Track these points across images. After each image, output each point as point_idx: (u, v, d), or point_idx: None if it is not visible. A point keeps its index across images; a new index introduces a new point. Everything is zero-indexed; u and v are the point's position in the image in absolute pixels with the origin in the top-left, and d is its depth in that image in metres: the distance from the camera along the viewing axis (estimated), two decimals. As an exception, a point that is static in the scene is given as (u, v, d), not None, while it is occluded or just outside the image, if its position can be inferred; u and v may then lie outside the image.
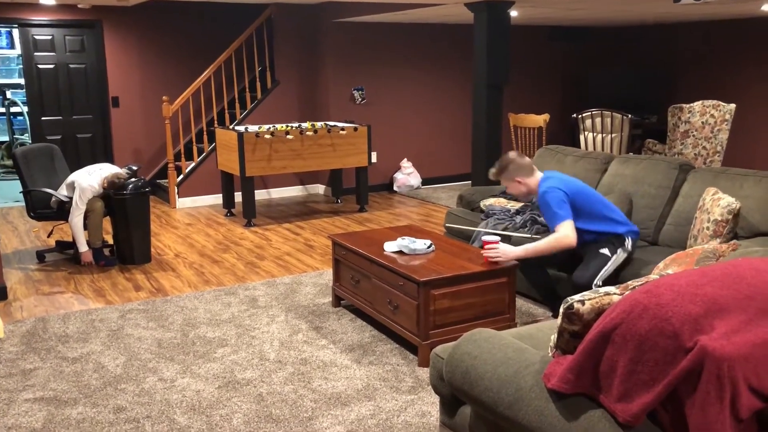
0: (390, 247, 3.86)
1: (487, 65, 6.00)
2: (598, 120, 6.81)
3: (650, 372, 1.64)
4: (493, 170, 3.86)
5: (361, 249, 3.89)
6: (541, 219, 4.49)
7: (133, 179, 5.27)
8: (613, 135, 6.76)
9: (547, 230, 4.44)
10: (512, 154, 3.81)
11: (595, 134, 6.91)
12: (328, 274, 5.01)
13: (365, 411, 3.00)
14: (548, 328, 2.54)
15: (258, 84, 7.93)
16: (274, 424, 2.91)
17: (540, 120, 7.59)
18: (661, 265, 3.27)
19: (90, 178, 5.18)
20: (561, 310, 1.92)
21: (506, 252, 3.61)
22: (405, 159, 8.52)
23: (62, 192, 5.29)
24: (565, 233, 3.61)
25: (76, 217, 5.12)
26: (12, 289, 4.77)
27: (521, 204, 4.72)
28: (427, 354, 3.40)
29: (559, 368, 1.87)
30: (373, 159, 8.29)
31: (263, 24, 7.90)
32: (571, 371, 1.82)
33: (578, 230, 3.70)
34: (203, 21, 8.23)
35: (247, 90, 8.00)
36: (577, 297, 1.91)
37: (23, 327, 4.04)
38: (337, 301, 4.31)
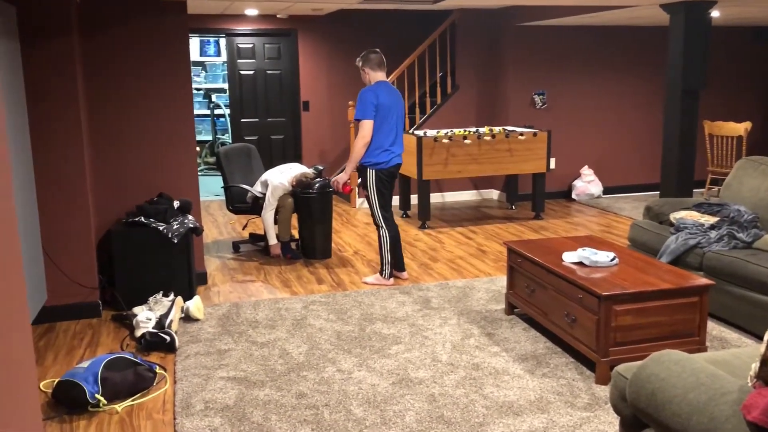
0: (569, 257, 3.75)
1: (683, 69, 5.62)
2: (811, 129, 6.12)
3: None
4: (359, 57, 4.74)
5: (538, 258, 3.81)
6: (740, 235, 4.13)
7: (318, 179, 5.58)
8: (830, 146, 6.04)
9: (746, 246, 4.08)
10: (375, 53, 4.70)
11: (806, 145, 6.22)
12: (500, 280, 4.97)
13: (538, 423, 2.95)
14: (747, 355, 2.34)
15: (438, 89, 8.05)
16: (445, 425, 2.94)
17: (740, 128, 6.99)
18: None
19: (281, 177, 5.56)
20: (766, 337, 1.76)
21: (340, 177, 4.77)
22: (585, 166, 8.22)
23: (257, 188, 5.73)
24: (363, 133, 4.56)
25: (268, 212, 5.52)
26: (211, 275, 5.25)
27: (716, 219, 4.38)
28: (605, 371, 3.27)
29: (762, 400, 1.72)
30: (552, 165, 8.09)
31: (447, 29, 8.01)
32: (777, 406, 1.66)
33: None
34: (388, 28, 8.51)
35: (428, 95, 8.15)
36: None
37: (220, 311, 4.43)
38: (510, 308, 4.26)
